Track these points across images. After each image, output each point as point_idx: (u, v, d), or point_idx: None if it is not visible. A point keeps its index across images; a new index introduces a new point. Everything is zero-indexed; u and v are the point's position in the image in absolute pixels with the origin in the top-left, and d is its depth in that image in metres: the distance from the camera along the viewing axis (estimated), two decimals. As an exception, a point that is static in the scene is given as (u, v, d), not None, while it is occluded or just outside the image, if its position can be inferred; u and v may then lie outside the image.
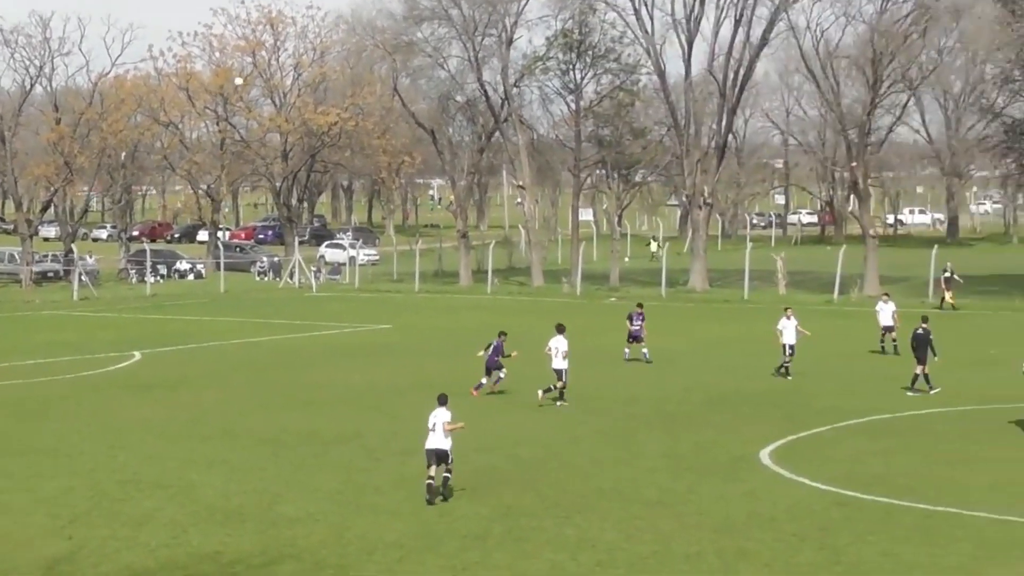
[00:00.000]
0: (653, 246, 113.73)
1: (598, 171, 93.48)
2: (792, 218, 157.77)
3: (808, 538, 24.86)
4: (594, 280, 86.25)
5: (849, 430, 36.11)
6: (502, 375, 41.71)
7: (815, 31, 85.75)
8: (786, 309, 47.62)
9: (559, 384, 40.03)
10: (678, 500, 27.92)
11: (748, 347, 55.00)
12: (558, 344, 40.14)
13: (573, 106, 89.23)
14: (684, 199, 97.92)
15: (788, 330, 45.89)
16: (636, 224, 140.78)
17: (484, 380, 41.62)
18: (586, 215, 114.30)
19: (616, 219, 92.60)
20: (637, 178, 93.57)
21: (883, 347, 51.92)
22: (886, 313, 51.85)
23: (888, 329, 51.72)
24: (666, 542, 24.63)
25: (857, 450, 33.13)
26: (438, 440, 27.75)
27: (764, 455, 32.44)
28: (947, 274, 70.59)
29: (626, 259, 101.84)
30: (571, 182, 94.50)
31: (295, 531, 25.59)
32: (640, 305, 51.84)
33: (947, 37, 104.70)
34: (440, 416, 27.87)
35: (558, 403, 39.91)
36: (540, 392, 40.04)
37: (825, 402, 40.41)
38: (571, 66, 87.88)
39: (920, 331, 42.27)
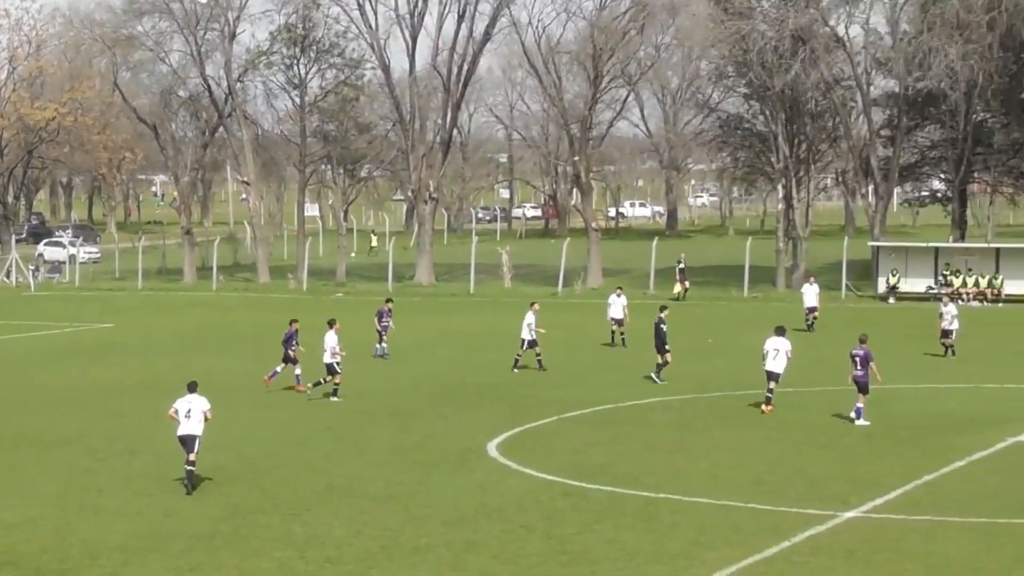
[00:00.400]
0: (373, 240, 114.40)
1: (324, 166, 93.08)
2: (517, 212, 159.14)
3: (535, 528, 25.21)
4: (321, 276, 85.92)
5: (574, 421, 36.71)
6: (294, 370, 41.59)
7: (537, 27, 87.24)
8: (532, 304, 47.80)
9: (327, 378, 39.94)
10: (407, 493, 28.04)
11: (475, 340, 55.51)
12: (326, 338, 40.00)
13: (298, 101, 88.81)
14: (410, 194, 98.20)
15: (531, 324, 46.02)
16: (362, 219, 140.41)
17: (297, 371, 41.49)
18: (312, 211, 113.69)
19: (342, 214, 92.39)
20: (363, 173, 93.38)
21: (613, 339, 52.79)
22: (617, 307, 52.63)
23: (618, 322, 52.57)
24: (395, 536, 24.72)
25: (582, 440, 33.71)
26: (191, 426, 28.00)
27: (492, 447, 32.79)
28: (681, 265, 72.10)
29: (352, 254, 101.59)
30: (297, 177, 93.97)
31: (14, 537, 24.94)
32: (389, 300, 51.92)
33: (664, 34, 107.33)
34: (196, 403, 28.20)
35: (332, 398, 39.84)
36: (310, 385, 40.28)
37: (550, 394, 40.96)
38: (295, 61, 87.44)
39: (656, 320, 43.26)
